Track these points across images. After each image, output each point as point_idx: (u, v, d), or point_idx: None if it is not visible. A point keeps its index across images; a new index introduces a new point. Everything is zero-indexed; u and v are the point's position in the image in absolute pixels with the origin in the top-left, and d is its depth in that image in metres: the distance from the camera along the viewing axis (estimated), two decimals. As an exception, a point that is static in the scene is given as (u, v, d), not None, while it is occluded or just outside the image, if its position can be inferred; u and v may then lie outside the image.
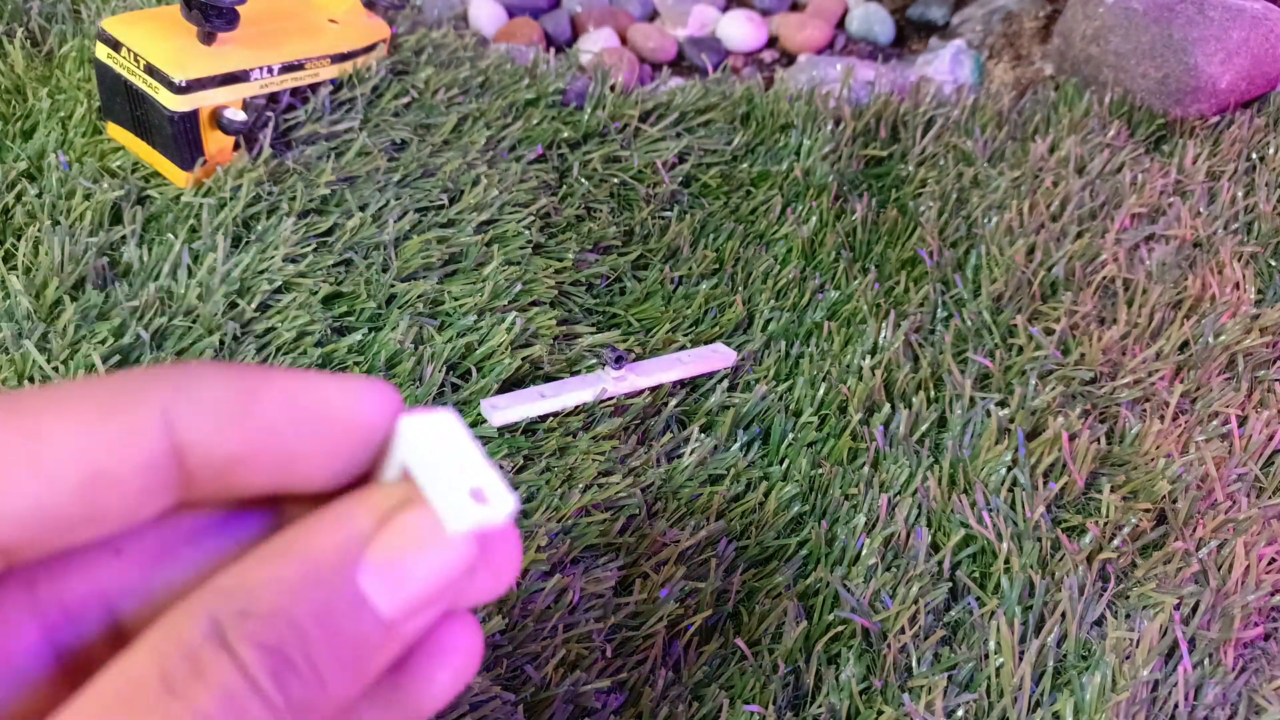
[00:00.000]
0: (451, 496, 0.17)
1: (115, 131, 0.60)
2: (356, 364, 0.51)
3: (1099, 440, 0.53)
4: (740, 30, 0.93)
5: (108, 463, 0.16)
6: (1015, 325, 0.59)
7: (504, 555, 0.19)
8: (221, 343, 0.50)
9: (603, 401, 0.52)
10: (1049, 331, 0.59)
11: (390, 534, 0.17)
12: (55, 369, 0.48)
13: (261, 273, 0.53)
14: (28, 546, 0.16)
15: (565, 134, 0.67)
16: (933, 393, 0.55)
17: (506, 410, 0.49)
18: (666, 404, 0.53)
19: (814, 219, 0.66)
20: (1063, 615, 0.46)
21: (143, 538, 0.18)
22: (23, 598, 0.17)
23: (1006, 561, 0.47)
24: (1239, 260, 0.66)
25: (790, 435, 0.53)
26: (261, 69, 0.60)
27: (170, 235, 0.55)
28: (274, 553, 0.17)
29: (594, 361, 0.54)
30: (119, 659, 0.16)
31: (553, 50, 0.79)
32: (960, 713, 0.43)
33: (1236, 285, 0.64)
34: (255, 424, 0.17)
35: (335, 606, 0.17)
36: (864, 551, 0.47)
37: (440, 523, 0.17)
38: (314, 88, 0.64)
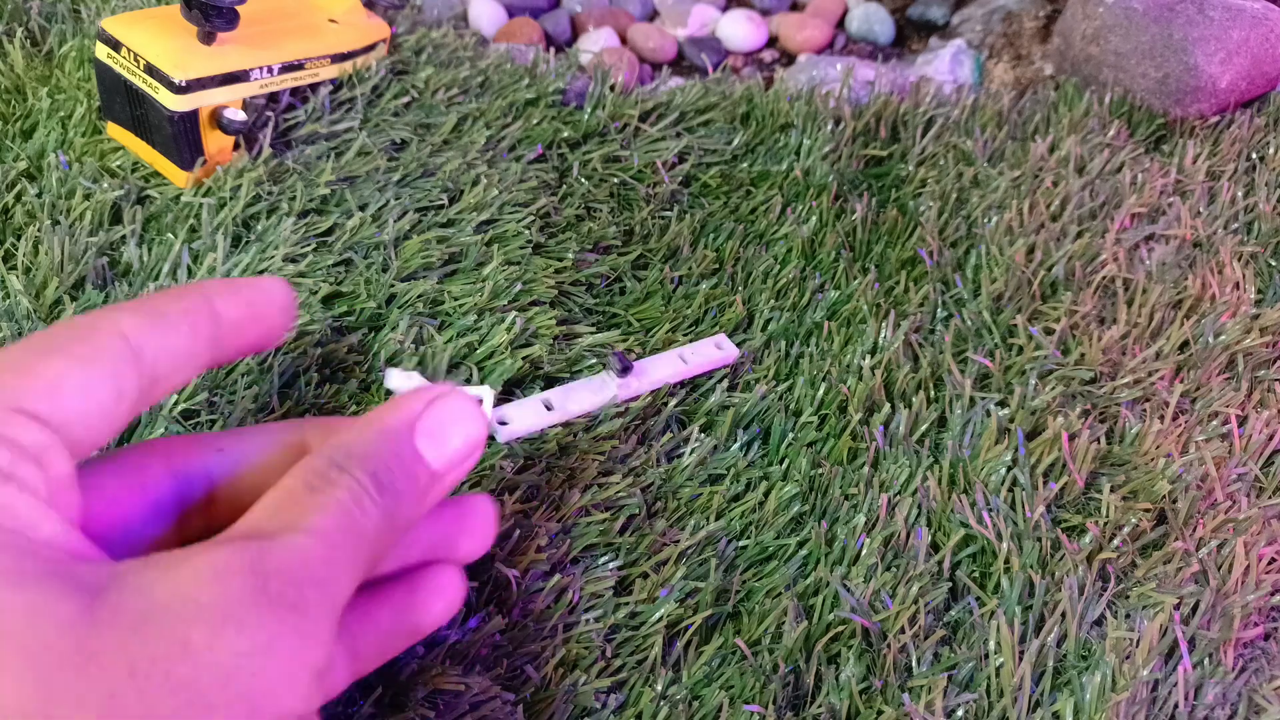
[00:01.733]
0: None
1: (115, 131, 0.60)
2: (357, 363, 0.51)
3: (1099, 440, 0.53)
4: (740, 30, 0.93)
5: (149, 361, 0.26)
6: (1015, 325, 0.59)
7: (481, 524, 0.32)
8: (221, 343, 0.50)
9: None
10: (1049, 331, 0.59)
11: (433, 411, 0.28)
12: (55, 369, 0.48)
13: (261, 272, 0.53)
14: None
15: (565, 134, 0.67)
16: (933, 393, 0.55)
17: (513, 426, 0.49)
18: (666, 404, 0.53)
19: (814, 219, 0.66)
20: (1063, 615, 0.46)
21: (238, 440, 0.30)
22: (162, 463, 0.28)
23: (1006, 561, 0.47)
24: (1239, 260, 0.66)
25: (790, 435, 0.53)
26: (261, 69, 0.60)
27: (170, 235, 0.55)
28: (361, 425, 0.27)
29: (594, 362, 0.54)
30: (271, 488, 0.25)
31: (553, 50, 0.79)
32: (960, 713, 0.43)
33: (1236, 285, 0.64)
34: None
35: (403, 455, 0.27)
36: (864, 551, 0.47)
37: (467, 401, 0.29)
38: (314, 88, 0.64)
